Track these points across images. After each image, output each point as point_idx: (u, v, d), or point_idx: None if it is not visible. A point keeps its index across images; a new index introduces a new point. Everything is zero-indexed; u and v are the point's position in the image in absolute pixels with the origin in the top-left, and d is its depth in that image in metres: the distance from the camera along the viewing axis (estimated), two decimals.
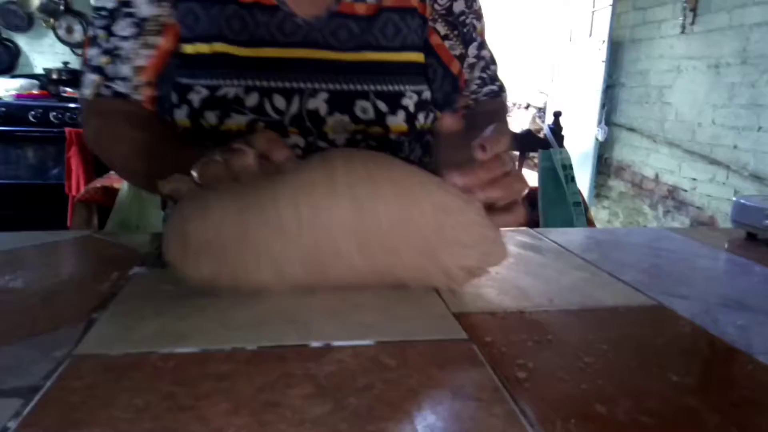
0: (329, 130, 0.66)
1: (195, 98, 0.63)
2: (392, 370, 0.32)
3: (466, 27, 0.74)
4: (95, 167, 2.65)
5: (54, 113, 2.85)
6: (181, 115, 0.64)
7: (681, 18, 3.10)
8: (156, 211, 1.28)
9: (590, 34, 3.90)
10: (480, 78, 0.76)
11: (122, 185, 1.35)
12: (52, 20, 3.34)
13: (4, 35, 3.31)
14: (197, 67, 0.63)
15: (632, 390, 0.31)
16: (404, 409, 0.28)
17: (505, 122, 0.75)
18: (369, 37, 0.67)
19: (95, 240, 0.57)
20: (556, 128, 1.70)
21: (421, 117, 0.70)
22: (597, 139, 3.84)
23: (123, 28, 0.63)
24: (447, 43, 0.73)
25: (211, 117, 0.63)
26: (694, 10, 3.00)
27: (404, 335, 0.36)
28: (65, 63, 3.29)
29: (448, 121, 0.45)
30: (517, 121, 4.36)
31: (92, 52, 0.64)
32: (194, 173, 0.42)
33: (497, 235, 0.43)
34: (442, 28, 0.72)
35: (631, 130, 3.65)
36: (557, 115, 1.77)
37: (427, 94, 0.71)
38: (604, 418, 0.28)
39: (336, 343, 0.35)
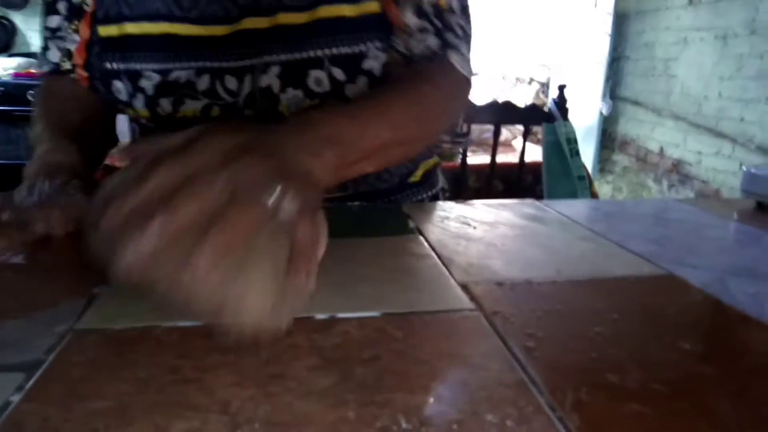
0: (284, 110, 0.60)
1: (147, 85, 0.60)
2: (399, 341, 0.31)
3: None
4: None
5: None
6: (138, 104, 0.61)
7: None
8: None
9: (595, 5, 3.83)
10: (420, 30, 0.58)
11: (124, 164, 1.35)
12: None
13: (0, 13, 3.26)
14: (145, 50, 0.59)
15: (644, 359, 0.30)
16: (412, 380, 0.28)
17: (422, 90, 0.54)
18: None
19: None
20: (561, 101, 1.68)
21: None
22: (601, 114, 3.80)
23: (51, 17, 0.65)
24: None
25: (165, 104, 0.60)
26: None
27: (410, 306, 0.36)
28: None
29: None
30: (521, 96, 4.31)
31: (45, 32, 0.66)
32: None
33: None
34: None
35: (636, 103, 3.61)
36: (562, 88, 1.74)
37: (395, 54, 0.59)
38: (616, 386, 0.28)
39: (341, 314, 0.34)
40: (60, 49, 0.66)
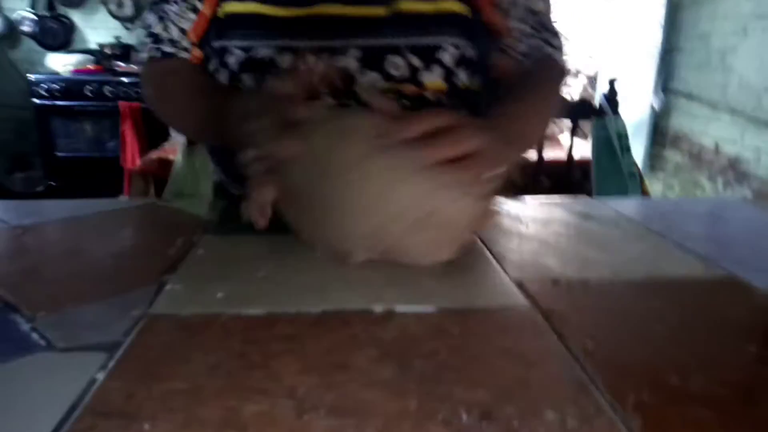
0: (359, 89, 0.63)
1: (232, 61, 0.63)
2: (456, 337, 0.32)
3: None
4: (149, 140, 2.74)
5: (108, 87, 2.94)
6: (222, 79, 0.65)
7: None
8: (208, 184, 1.32)
9: None
10: (529, 35, 0.66)
11: (177, 157, 1.40)
12: None
13: (60, 11, 3.41)
14: (232, 28, 0.64)
15: (707, 361, 0.30)
16: (471, 375, 0.28)
17: (546, 89, 0.65)
18: None
19: (158, 207, 0.59)
20: (611, 95, 1.63)
21: (462, 74, 0.65)
22: (652, 108, 3.67)
23: None
24: None
25: (248, 80, 0.63)
26: None
27: (465, 302, 0.36)
28: (117, 38, 3.37)
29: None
30: (567, 89, 4.20)
31: (150, 18, 0.67)
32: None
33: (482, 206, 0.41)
34: None
35: (690, 97, 3.46)
36: (612, 81, 1.69)
37: (471, 52, 0.65)
38: (678, 389, 0.27)
39: (399, 308, 0.35)
40: (173, 27, 0.66)
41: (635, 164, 1.52)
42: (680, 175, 3.59)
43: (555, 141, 2.49)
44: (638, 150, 3.69)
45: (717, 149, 3.23)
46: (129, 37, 3.45)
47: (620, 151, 1.47)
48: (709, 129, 3.29)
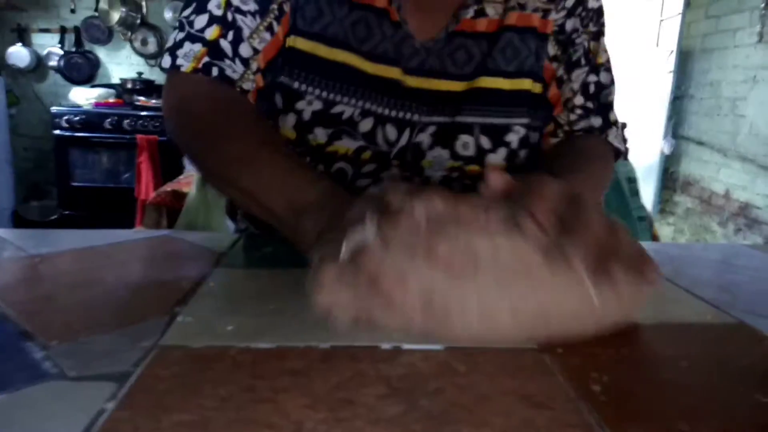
0: (427, 164, 0.62)
1: (306, 109, 0.57)
2: (463, 376, 0.32)
3: (576, 47, 0.64)
4: (164, 172, 2.79)
5: (127, 121, 3.03)
6: (287, 124, 0.58)
7: (758, 26, 2.94)
8: (221, 217, 1.34)
9: (657, 44, 3.76)
10: (583, 108, 0.64)
11: (191, 189, 1.42)
12: (129, 33, 3.56)
13: (87, 48, 3.55)
14: (311, 71, 0.56)
15: (717, 409, 0.30)
16: (478, 414, 0.28)
17: (596, 169, 0.61)
18: (488, 60, 0.60)
19: (173, 239, 0.60)
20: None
21: (522, 154, 0.63)
22: (663, 153, 3.69)
23: (245, 1, 0.54)
24: (554, 65, 0.64)
25: (321, 134, 0.58)
26: None
27: (474, 342, 0.36)
28: (139, 73, 3.49)
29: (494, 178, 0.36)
30: None
31: (198, 18, 0.54)
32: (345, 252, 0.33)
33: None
34: (552, 48, 0.63)
35: (700, 143, 3.48)
36: (623, 126, 1.71)
37: (534, 132, 0.64)
38: None
39: (406, 346, 0.35)
40: (245, 42, 0.54)
41: (644, 208, 1.52)
42: (691, 219, 3.58)
43: None
44: (649, 193, 3.70)
45: (728, 195, 3.22)
46: (151, 73, 3.56)
47: (629, 194, 1.47)
48: (720, 175, 3.29)
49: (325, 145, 0.59)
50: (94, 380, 0.30)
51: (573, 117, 0.64)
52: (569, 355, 0.35)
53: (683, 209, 3.66)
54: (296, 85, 0.58)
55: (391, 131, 0.60)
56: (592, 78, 0.65)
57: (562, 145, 0.64)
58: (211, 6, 0.55)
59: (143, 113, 3.03)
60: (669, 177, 3.79)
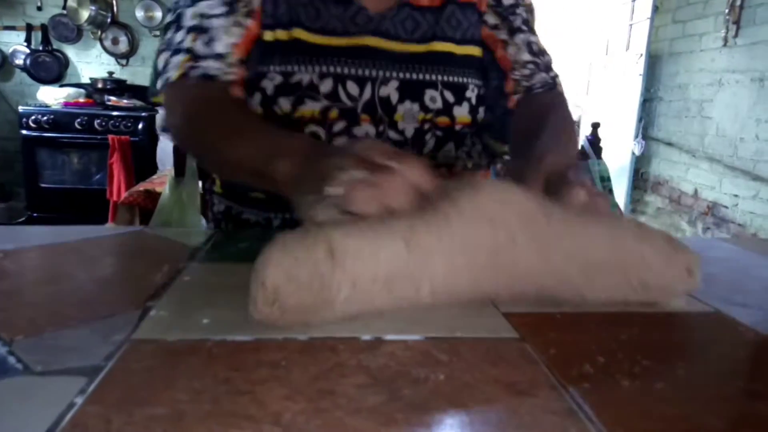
0: (399, 118, 0.67)
1: (269, 85, 0.63)
2: (445, 365, 0.32)
3: (515, 17, 0.73)
4: (136, 173, 2.73)
5: (98, 121, 2.95)
6: (253, 103, 0.64)
7: (723, 31, 3.03)
8: (195, 216, 1.31)
9: (627, 48, 3.85)
10: (533, 63, 0.73)
11: (164, 189, 1.39)
12: (99, 32, 3.47)
13: (55, 46, 3.45)
14: (272, 54, 0.63)
15: (697, 393, 0.30)
16: (460, 403, 0.28)
17: (564, 118, 0.70)
18: (435, 28, 0.69)
19: (146, 235, 0.59)
20: (595, 139, 1.68)
21: (481, 111, 0.72)
22: (633, 154, 3.77)
23: (212, 6, 0.61)
24: (495, 33, 0.73)
25: (284, 103, 0.63)
26: (737, 22, 2.93)
27: (455, 332, 0.36)
28: (110, 73, 3.41)
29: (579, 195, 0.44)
30: None
31: (176, 36, 0.62)
32: (337, 192, 0.38)
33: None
34: (491, 19, 0.73)
35: (669, 144, 3.56)
36: (595, 126, 1.75)
37: (483, 90, 0.73)
38: (669, 418, 0.27)
39: (387, 336, 0.35)
40: (219, 40, 0.61)
41: (617, 206, 1.54)
42: (661, 218, 3.66)
43: None
44: (620, 194, 3.77)
45: (696, 195, 3.30)
46: (122, 73, 3.49)
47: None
48: (689, 175, 3.37)
49: (291, 112, 0.64)
50: (62, 375, 0.29)
51: (525, 72, 0.72)
52: (551, 344, 0.35)
53: (654, 209, 3.75)
54: (259, 68, 0.63)
55: (352, 87, 0.65)
56: (534, 39, 0.74)
57: (530, 103, 0.72)
58: (185, 22, 0.62)
59: (115, 113, 2.96)
60: (639, 177, 3.87)
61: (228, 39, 0.61)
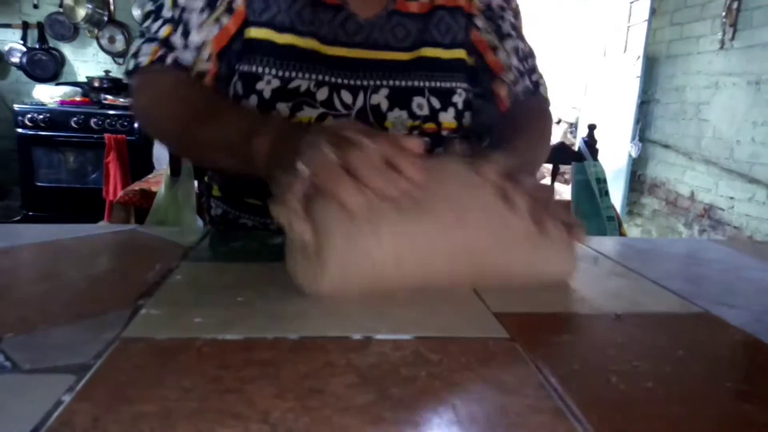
0: (389, 126, 0.69)
1: (266, 89, 0.64)
2: (435, 365, 0.32)
3: (503, 21, 0.75)
4: (132, 173, 2.72)
5: (95, 120, 2.94)
6: (250, 105, 0.65)
7: (720, 33, 3.04)
8: (191, 215, 1.31)
9: (625, 50, 3.86)
10: (518, 70, 0.74)
11: (159, 188, 1.39)
12: (96, 30, 3.47)
13: (51, 44, 3.44)
14: (266, 55, 0.64)
15: (685, 394, 0.30)
16: (449, 402, 0.28)
17: (541, 128, 0.74)
18: (425, 34, 0.70)
19: (140, 234, 0.59)
20: (591, 141, 1.68)
21: (467, 115, 0.73)
22: (630, 156, 3.78)
23: (192, 0, 0.62)
24: (485, 36, 0.74)
25: (283, 108, 0.64)
26: (733, 25, 2.94)
27: (445, 332, 0.36)
28: (107, 71, 3.40)
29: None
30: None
31: (153, 24, 0.63)
32: (304, 169, 0.39)
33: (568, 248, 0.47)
34: (480, 22, 0.74)
35: (666, 146, 3.57)
36: (592, 128, 1.75)
37: (470, 95, 0.74)
38: (657, 418, 0.27)
39: (377, 336, 0.35)
40: (194, 34, 0.62)
41: (613, 208, 1.55)
42: (657, 220, 3.67)
43: None
44: (617, 196, 3.78)
45: (693, 197, 3.31)
46: (119, 72, 3.48)
47: (599, 194, 1.50)
48: (685, 177, 3.38)
49: (289, 117, 0.65)
50: (51, 373, 0.29)
51: (512, 77, 0.73)
52: (541, 344, 0.35)
53: (650, 211, 3.75)
54: (254, 68, 0.64)
55: (346, 96, 0.67)
56: (521, 44, 0.76)
57: (511, 110, 0.74)
58: (164, 12, 0.63)
59: (111, 112, 2.95)
60: (636, 179, 3.88)
61: (204, 33, 0.62)
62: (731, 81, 2.99)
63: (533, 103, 0.75)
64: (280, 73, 0.64)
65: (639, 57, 3.63)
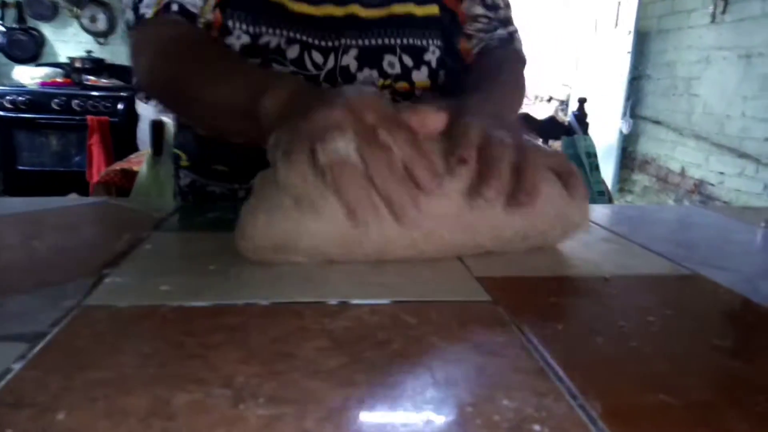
0: None
1: (235, 43, 0.62)
2: (412, 328, 0.30)
3: None
4: (116, 154, 2.68)
5: (77, 101, 2.89)
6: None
7: (711, 7, 3.01)
8: (172, 191, 1.28)
9: (616, 25, 3.82)
10: (485, 17, 0.71)
11: (141, 168, 1.36)
12: (76, 9, 3.38)
13: (30, 24, 3.36)
14: (238, 9, 0.62)
15: (671, 352, 0.29)
16: (425, 364, 0.26)
17: (517, 76, 0.71)
18: None
19: (112, 205, 0.57)
20: (581, 115, 1.66)
21: (441, 74, 0.71)
22: (621, 132, 3.77)
23: None
24: None
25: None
26: None
27: (425, 296, 0.35)
28: (88, 52, 3.33)
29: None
30: (540, 114, 4.30)
31: None
32: (324, 161, 0.35)
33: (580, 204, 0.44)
34: None
35: (657, 122, 3.57)
36: (582, 101, 1.73)
37: (446, 53, 0.72)
38: (642, 376, 0.26)
39: (354, 301, 0.33)
40: None
41: (604, 182, 1.54)
42: (648, 196, 3.68)
43: None
44: (608, 173, 3.78)
45: (683, 173, 3.32)
46: (101, 52, 3.40)
47: (589, 169, 1.49)
48: (676, 153, 3.39)
49: None
50: (2, 341, 0.27)
51: (478, 26, 0.71)
52: (525, 307, 0.34)
53: (641, 187, 3.76)
54: (224, 22, 0.62)
55: (317, 56, 0.65)
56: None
57: (483, 58, 0.71)
58: None
59: (94, 93, 2.89)
60: (627, 156, 3.88)
61: None
62: (722, 55, 2.97)
63: (509, 54, 0.72)
64: (250, 29, 0.62)
65: (630, 32, 3.61)
